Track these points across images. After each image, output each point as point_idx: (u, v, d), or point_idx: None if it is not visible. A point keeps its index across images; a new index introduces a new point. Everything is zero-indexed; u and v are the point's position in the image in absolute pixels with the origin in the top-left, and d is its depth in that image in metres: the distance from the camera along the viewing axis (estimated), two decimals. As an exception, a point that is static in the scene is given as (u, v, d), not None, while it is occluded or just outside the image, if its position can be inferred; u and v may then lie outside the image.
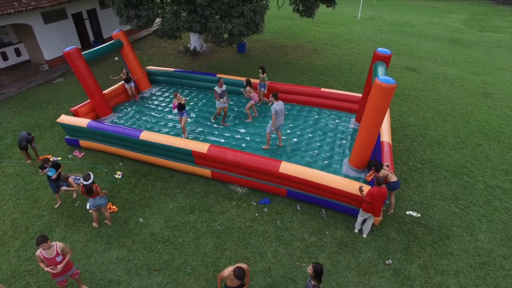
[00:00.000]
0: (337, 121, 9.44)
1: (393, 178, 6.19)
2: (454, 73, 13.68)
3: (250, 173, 6.99)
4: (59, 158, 8.40)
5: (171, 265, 5.70)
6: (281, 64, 14.25)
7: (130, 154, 8.14)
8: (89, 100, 9.45)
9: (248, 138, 8.66)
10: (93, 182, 5.74)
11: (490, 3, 29.43)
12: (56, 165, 6.51)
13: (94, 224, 6.39)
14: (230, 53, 15.62)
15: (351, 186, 6.15)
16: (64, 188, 6.69)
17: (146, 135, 7.61)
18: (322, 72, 13.48)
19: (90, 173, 5.75)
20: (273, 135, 8.44)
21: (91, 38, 16.13)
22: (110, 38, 16.50)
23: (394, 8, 26.68)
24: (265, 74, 9.79)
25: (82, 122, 8.31)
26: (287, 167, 6.56)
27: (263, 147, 8.15)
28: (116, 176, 7.77)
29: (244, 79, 10.00)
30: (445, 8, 27.13)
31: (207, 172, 7.47)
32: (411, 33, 19.44)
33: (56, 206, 6.89)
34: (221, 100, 8.76)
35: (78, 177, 6.49)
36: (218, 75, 11.04)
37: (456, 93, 11.93)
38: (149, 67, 12.02)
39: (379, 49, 7.18)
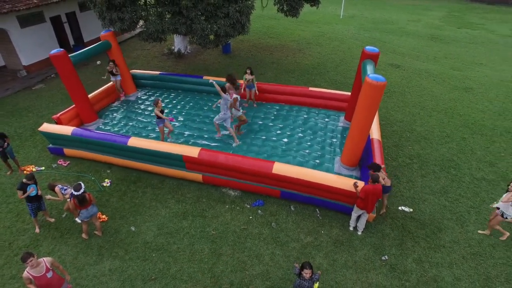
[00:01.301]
0: (326, 119, 9.49)
1: (388, 182, 6.23)
2: (436, 69, 14.04)
3: (243, 175, 6.92)
4: (43, 168, 8.07)
5: (167, 273, 5.56)
6: (267, 64, 14.22)
7: (118, 161, 7.91)
8: (72, 107, 9.12)
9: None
10: (84, 191, 5.53)
11: (464, 0, 30.42)
12: (35, 180, 5.94)
13: (84, 236, 6.15)
14: (215, 55, 15.47)
15: (345, 183, 6.19)
16: (48, 197, 6.22)
17: (134, 141, 7.41)
18: (308, 71, 13.55)
19: (81, 182, 5.53)
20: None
21: (71, 42, 15.61)
22: (91, 42, 16.04)
23: (376, 6, 27.18)
24: (253, 76, 9.66)
25: (66, 130, 8.00)
26: (280, 168, 6.53)
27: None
28: (104, 184, 7.53)
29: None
30: (424, 6, 27.86)
31: (198, 176, 7.34)
32: (392, 31, 19.84)
33: (37, 231, 6.35)
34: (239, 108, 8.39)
35: (66, 187, 6.20)
36: (205, 77, 10.89)
37: (439, 88, 12.25)
38: (134, 70, 11.73)
39: (367, 47, 7.26)
